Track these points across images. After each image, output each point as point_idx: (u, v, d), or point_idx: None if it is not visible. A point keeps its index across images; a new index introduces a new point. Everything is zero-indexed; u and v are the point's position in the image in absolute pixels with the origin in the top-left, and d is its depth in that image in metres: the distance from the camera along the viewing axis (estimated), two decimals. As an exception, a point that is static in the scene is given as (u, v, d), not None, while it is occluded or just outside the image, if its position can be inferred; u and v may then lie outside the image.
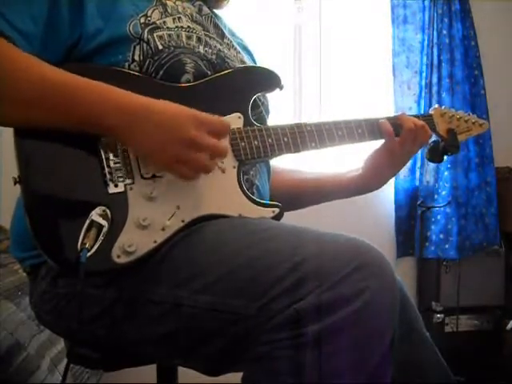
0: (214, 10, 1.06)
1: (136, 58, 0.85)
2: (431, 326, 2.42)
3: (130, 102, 0.78)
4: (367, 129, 1.02)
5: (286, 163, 1.14)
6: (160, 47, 0.86)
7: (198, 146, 0.78)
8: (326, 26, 2.71)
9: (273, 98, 1.05)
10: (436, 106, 1.18)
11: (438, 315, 2.49)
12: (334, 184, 1.11)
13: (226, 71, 0.93)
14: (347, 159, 1.13)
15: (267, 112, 1.05)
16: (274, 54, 2.57)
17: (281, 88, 0.97)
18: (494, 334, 2.56)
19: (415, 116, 1.10)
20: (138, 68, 0.86)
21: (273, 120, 1.05)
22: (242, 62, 1.02)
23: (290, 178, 1.15)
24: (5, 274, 1.50)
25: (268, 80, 0.96)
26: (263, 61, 1.14)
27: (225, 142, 0.83)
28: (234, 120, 0.90)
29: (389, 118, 1.05)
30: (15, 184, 0.77)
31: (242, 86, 0.93)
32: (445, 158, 1.15)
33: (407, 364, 0.87)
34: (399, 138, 1.04)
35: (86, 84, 0.77)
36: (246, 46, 1.14)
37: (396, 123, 1.04)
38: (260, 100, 1.01)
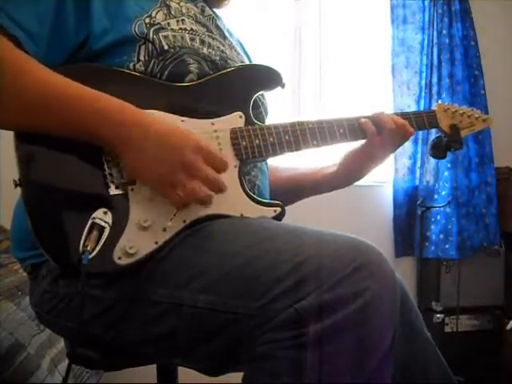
0: (215, 11, 1.06)
1: (141, 57, 0.85)
2: (431, 326, 2.42)
3: (126, 118, 0.77)
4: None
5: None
6: (166, 47, 0.86)
7: (192, 170, 0.76)
8: (325, 26, 2.71)
9: (272, 98, 1.05)
10: (439, 101, 1.17)
11: (438, 315, 2.49)
12: (309, 182, 1.11)
13: (227, 70, 0.92)
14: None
15: (266, 113, 1.05)
16: (274, 53, 2.57)
17: (282, 86, 0.96)
18: (494, 334, 2.57)
19: (417, 112, 1.10)
20: (143, 68, 0.85)
21: (272, 121, 1.05)
22: (242, 63, 1.02)
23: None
24: (5, 274, 1.50)
25: (269, 78, 0.96)
26: (262, 61, 1.13)
27: (223, 178, 0.80)
28: (235, 119, 0.89)
29: (369, 117, 1.02)
30: (16, 187, 0.77)
31: (243, 84, 0.93)
32: (448, 154, 1.14)
33: (408, 364, 0.87)
34: (379, 138, 1.01)
35: (86, 95, 0.77)
36: (244, 45, 1.14)
37: (376, 123, 1.02)
38: (260, 100, 1.01)
